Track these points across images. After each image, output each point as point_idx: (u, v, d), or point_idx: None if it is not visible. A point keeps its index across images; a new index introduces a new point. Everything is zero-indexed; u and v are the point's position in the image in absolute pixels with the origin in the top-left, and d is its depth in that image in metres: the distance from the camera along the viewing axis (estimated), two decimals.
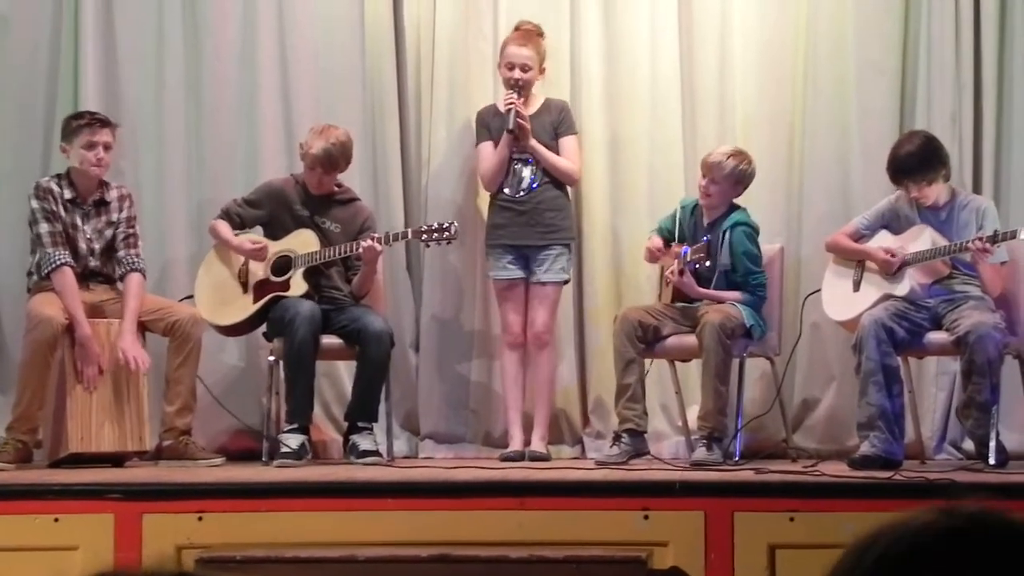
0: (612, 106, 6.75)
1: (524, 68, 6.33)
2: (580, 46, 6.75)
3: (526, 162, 6.36)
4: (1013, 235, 5.58)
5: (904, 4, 6.58)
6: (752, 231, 6.08)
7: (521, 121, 6.27)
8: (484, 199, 6.57)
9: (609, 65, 6.75)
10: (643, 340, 5.96)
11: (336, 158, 6.17)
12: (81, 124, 6.07)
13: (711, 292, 6.01)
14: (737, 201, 6.11)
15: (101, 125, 6.07)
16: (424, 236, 6.15)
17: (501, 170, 6.38)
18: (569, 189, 6.48)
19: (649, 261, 6.26)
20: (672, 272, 5.98)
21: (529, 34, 6.40)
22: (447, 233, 6.09)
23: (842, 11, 6.61)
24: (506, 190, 6.39)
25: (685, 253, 5.94)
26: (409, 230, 6.28)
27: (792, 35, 6.68)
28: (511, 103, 6.29)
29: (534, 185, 6.35)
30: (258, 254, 6.23)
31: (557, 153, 6.36)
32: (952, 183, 5.98)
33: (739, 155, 6.05)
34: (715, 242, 6.02)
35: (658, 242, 6.17)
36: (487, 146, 6.40)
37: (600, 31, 6.75)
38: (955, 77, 6.49)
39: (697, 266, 5.94)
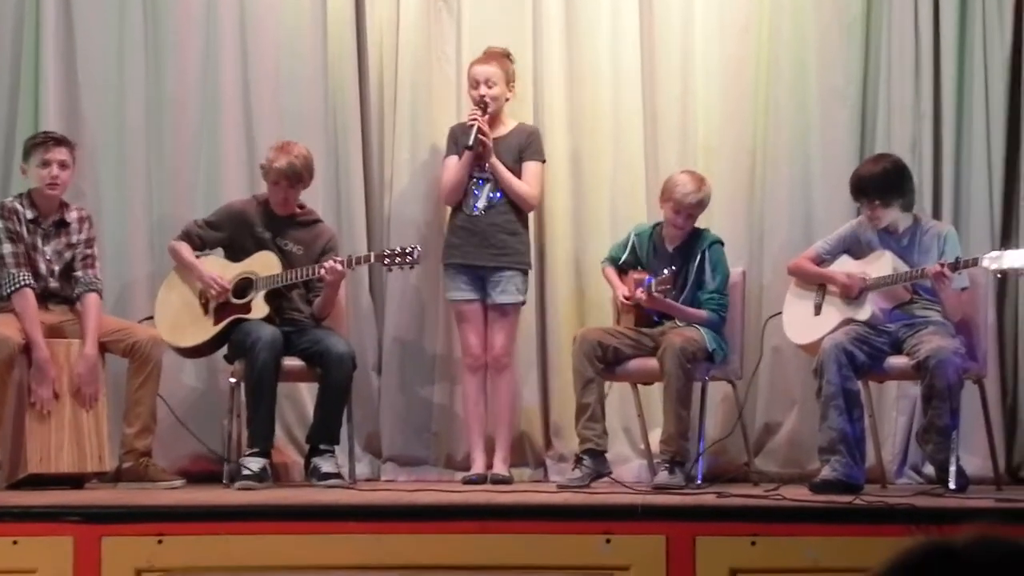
0: (574, 130, 6.77)
1: (488, 84, 6.34)
2: (543, 70, 6.77)
3: (485, 180, 6.36)
4: (975, 262, 5.62)
5: (864, 32, 6.63)
6: (723, 249, 6.12)
7: (482, 138, 6.28)
8: (447, 221, 6.57)
9: (572, 89, 6.77)
10: (602, 360, 5.97)
11: (300, 171, 6.17)
12: (36, 143, 6.09)
13: (682, 308, 6.01)
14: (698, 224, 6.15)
15: (56, 143, 6.07)
16: (387, 260, 6.13)
17: (460, 185, 6.37)
18: (530, 216, 6.48)
19: (624, 299, 6.19)
20: (640, 292, 5.95)
21: (493, 53, 6.42)
22: (410, 258, 6.07)
23: (803, 39, 6.65)
24: (463, 208, 6.39)
25: (649, 283, 5.93)
26: (372, 254, 6.26)
27: (753, 62, 6.72)
28: (474, 119, 6.30)
29: (490, 203, 6.35)
30: (214, 290, 6.17)
31: (519, 176, 6.37)
32: (914, 209, 6.02)
33: (702, 182, 6.08)
34: (688, 266, 6.04)
35: (618, 283, 6.15)
36: (452, 159, 6.40)
37: (563, 55, 6.77)
38: (915, 105, 6.55)
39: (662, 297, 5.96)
